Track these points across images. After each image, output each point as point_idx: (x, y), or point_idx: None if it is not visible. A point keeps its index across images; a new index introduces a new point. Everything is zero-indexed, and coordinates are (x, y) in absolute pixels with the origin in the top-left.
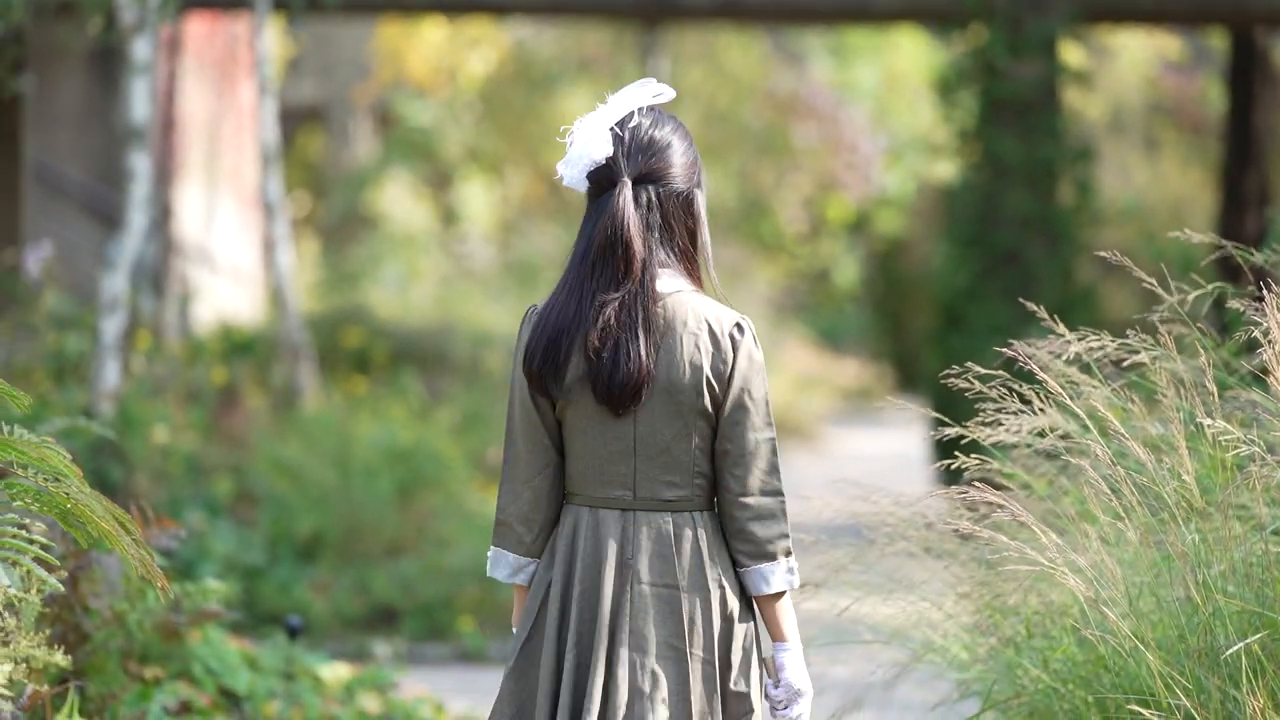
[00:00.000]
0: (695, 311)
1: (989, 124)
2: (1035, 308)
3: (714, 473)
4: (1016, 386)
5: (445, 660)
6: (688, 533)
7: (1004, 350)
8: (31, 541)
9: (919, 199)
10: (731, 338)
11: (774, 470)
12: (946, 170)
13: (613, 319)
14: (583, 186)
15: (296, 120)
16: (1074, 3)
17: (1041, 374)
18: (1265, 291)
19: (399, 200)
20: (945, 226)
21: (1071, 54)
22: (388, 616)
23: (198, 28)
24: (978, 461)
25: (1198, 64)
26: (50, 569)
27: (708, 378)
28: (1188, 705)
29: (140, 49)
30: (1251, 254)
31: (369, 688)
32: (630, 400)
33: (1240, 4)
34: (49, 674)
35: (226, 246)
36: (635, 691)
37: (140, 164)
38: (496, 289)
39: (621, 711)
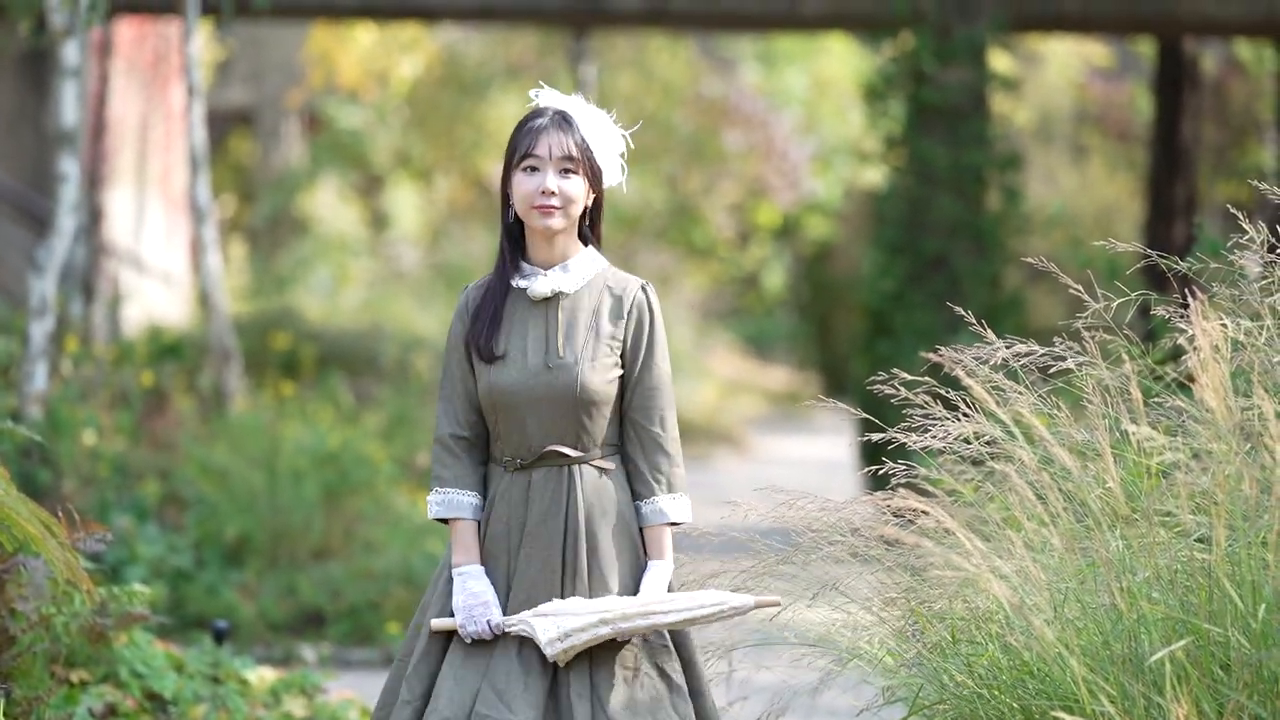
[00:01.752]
0: None
1: (917, 130)
2: (963, 313)
3: None
4: (943, 392)
5: (373, 664)
6: None
7: (930, 356)
8: None
9: (847, 204)
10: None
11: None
12: (875, 176)
13: None
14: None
15: (226, 124)
16: (1002, 10)
17: (968, 380)
18: (1190, 299)
19: (329, 204)
20: (873, 232)
21: (1000, 61)
22: (315, 620)
23: (128, 31)
24: (904, 467)
25: (1125, 71)
26: None
27: None
28: (1112, 711)
29: (70, 53)
30: (1177, 262)
31: (295, 691)
32: None
33: (1168, 13)
34: None
35: (156, 250)
36: None
37: (70, 167)
38: (425, 293)
39: None
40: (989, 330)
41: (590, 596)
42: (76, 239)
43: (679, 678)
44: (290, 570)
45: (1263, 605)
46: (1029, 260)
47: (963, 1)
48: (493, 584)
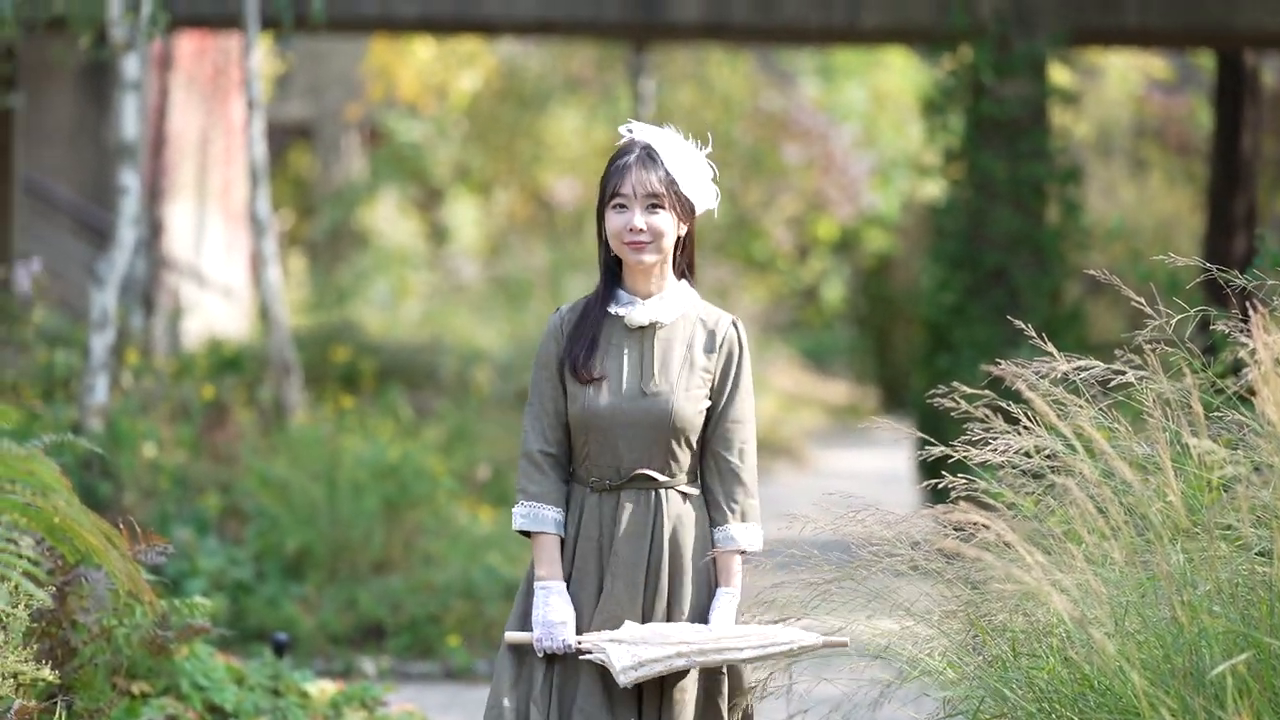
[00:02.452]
0: None
1: (976, 143)
2: (1023, 326)
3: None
4: (1003, 406)
5: (432, 677)
6: None
7: (990, 369)
8: (20, 556)
9: (906, 218)
10: None
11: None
12: (934, 189)
13: None
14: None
15: (286, 138)
16: (1062, 23)
17: (1028, 393)
18: (1251, 313)
19: (388, 217)
20: (932, 246)
21: (1059, 74)
22: (375, 633)
23: (188, 45)
24: (964, 481)
25: (1185, 84)
26: (38, 584)
27: None
28: None
29: (130, 66)
30: (1237, 276)
31: (356, 704)
32: None
33: (1227, 25)
34: (36, 689)
35: (216, 263)
36: None
37: (130, 181)
38: (485, 306)
39: None
40: (1049, 344)
41: (668, 618)
42: (137, 252)
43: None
44: (350, 583)
45: None
46: (1089, 273)
47: (1022, 15)
48: (580, 601)
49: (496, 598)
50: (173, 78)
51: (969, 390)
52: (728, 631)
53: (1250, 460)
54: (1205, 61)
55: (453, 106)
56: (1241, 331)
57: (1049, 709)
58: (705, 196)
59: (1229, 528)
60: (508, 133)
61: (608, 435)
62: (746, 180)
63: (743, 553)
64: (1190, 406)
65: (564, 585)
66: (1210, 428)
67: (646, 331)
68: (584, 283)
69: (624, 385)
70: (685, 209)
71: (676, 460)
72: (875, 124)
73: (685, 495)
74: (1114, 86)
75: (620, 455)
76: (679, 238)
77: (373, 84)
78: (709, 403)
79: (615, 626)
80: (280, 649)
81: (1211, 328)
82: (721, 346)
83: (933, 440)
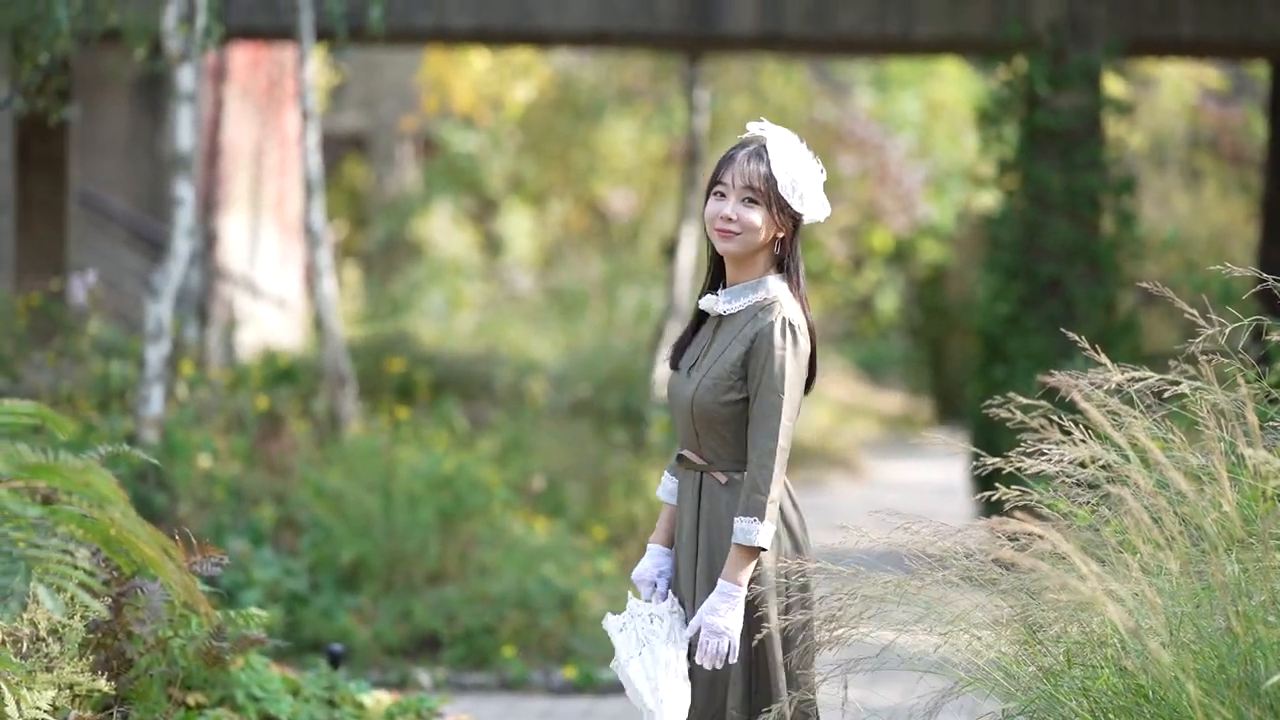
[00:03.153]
0: None
1: (1031, 154)
2: (1077, 338)
3: None
4: (1057, 417)
5: (488, 688)
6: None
7: (1046, 380)
8: (76, 568)
9: (961, 228)
10: None
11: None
12: (988, 200)
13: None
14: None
15: (341, 149)
16: (1116, 34)
17: (1084, 404)
18: None
19: (442, 229)
20: (987, 256)
21: (1114, 84)
22: (430, 644)
23: (243, 57)
24: (1018, 492)
25: (1240, 94)
26: (94, 595)
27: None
28: None
29: (185, 77)
30: None
31: (411, 715)
32: None
33: None
34: (92, 700)
35: (270, 274)
36: None
37: (185, 192)
38: (539, 317)
39: None
40: (1103, 355)
41: (699, 599)
42: (191, 264)
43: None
44: (405, 594)
45: None
46: (1143, 285)
47: (1077, 25)
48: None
49: (551, 609)
50: (227, 89)
51: (1024, 401)
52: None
53: None
54: (1260, 72)
55: (507, 117)
56: None
57: (1104, 719)
58: (812, 205)
59: None
60: (562, 143)
61: (672, 417)
62: None
63: (753, 548)
64: (1245, 417)
65: (653, 547)
66: (1265, 438)
67: (714, 322)
68: (639, 294)
69: (683, 371)
70: (784, 210)
71: (708, 446)
72: (930, 134)
73: (721, 481)
74: (1168, 97)
75: (679, 437)
76: (777, 238)
77: (427, 95)
78: (739, 395)
79: (683, 600)
80: (336, 660)
81: (1265, 338)
82: (755, 343)
83: (986, 453)
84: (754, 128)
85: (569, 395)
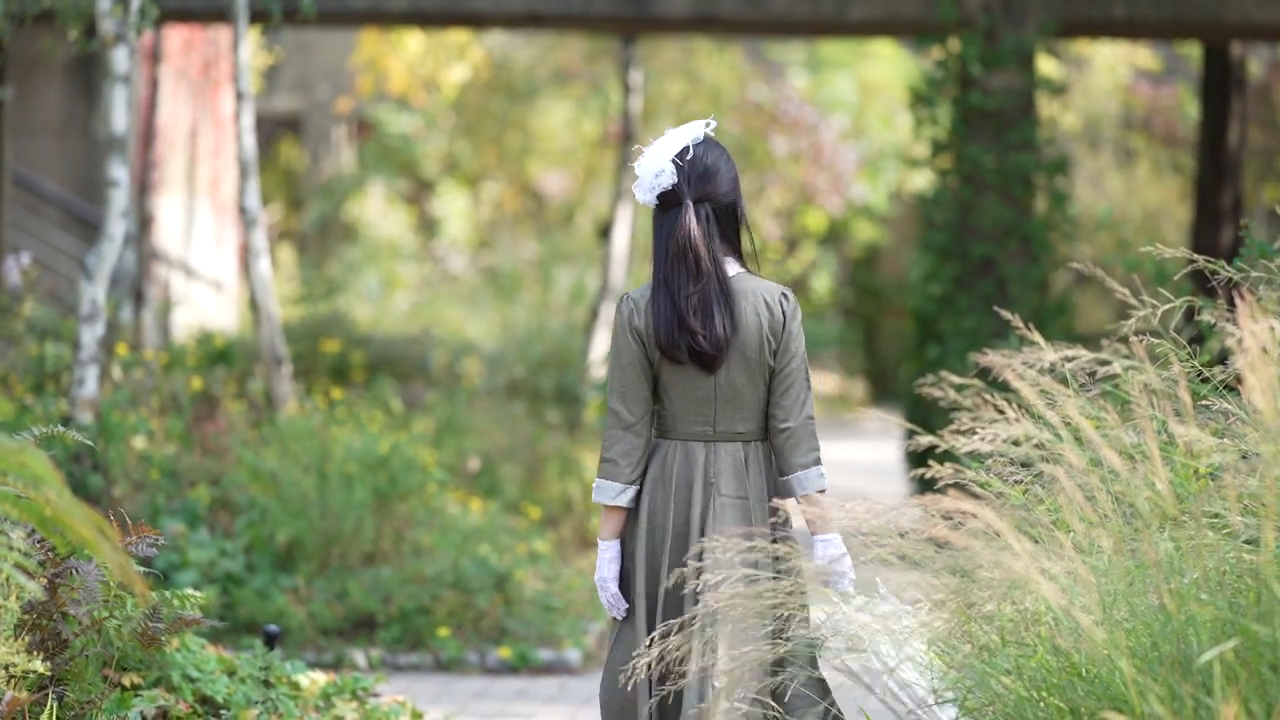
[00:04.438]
0: (752, 287)
1: (964, 135)
2: (1010, 317)
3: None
4: (991, 396)
5: (423, 669)
6: (754, 456)
7: (979, 359)
8: (11, 548)
9: (894, 209)
10: (781, 303)
11: (809, 403)
12: (922, 181)
13: (698, 305)
14: (652, 203)
15: (276, 130)
16: (1049, 15)
17: (1017, 383)
18: (1237, 302)
19: (377, 210)
20: (920, 237)
21: (1046, 65)
22: (366, 625)
23: (178, 38)
24: (952, 470)
25: (1172, 75)
26: (29, 575)
27: (766, 335)
28: (1162, 713)
29: (119, 59)
30: (1223, 268)
31: (347, 695)
32: (718, 359)
33: (1215, 16)
34: (28, 681)
35: (205, 256)
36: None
37: (120, 174)
38: (474, 298)
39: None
40: (1037, 334)
41: None
42: (126, 245)
43: None
44: (341, 575)
45: None
46: (1075, 265)
47: (1010, 6)
48: None
49: (487, 589)
50: (162, 70)
51: (957, 380)
52: None
53: (1237, 448)
54: (1192, 52)
55: (442, 99)
56: (1228, 321)
57: (1037, 697)
58: (640, 193)
59: (1216, 516)
60: (497, 125)
61: None
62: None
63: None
64: (1177, 395)
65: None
66: (1197, 416)
67: None
68: (574, 275)
69: None
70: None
71: None
72: (863, 115)
73: None
74: (1101, 77)
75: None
76: None
77: (362, 76)
78: None
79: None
80: (271, 641)
81: (1197, 318)
82: None
83: (921, 430)
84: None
85: (504, 376)
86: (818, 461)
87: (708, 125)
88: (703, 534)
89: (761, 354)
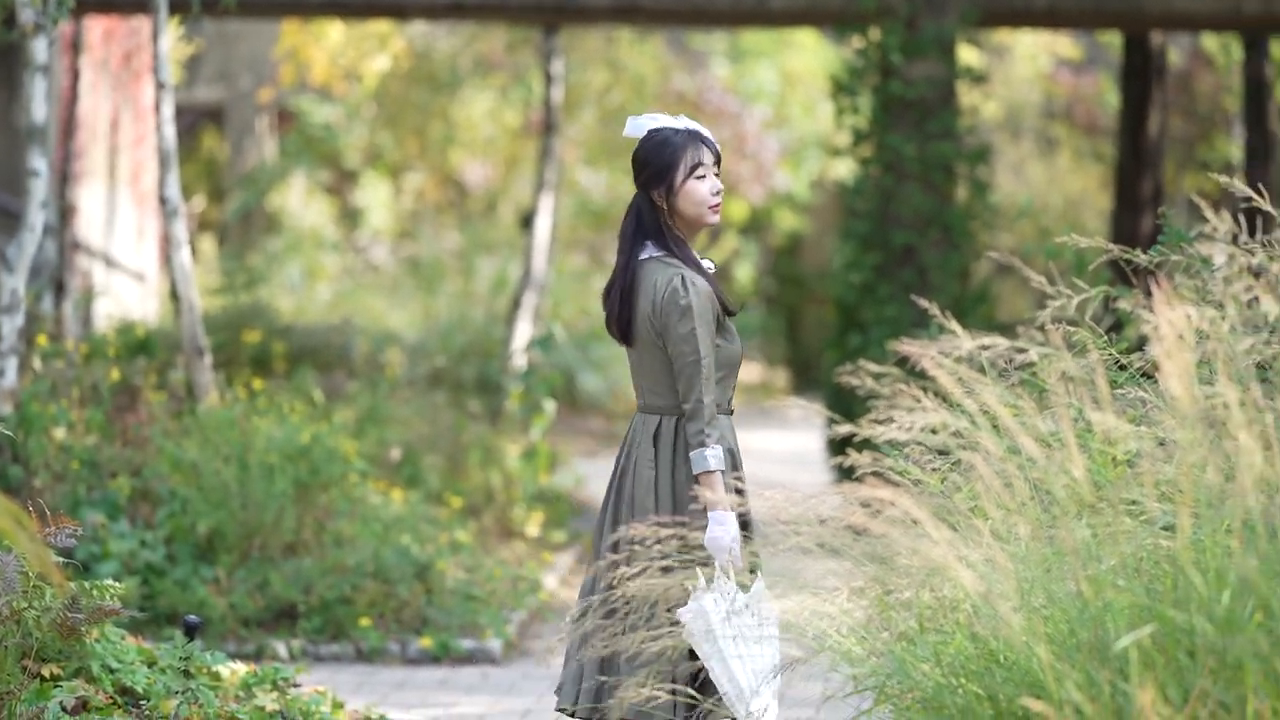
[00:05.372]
0: (652, 274)
1: (885, 124)
2: (927, 305)
3: None
4: (908, 384)
5: (344, 659)
6: (666, 430)
7: (897, 347)
8: None
9: (816, 198)
10: (664, 292)
11: (694, 385)
12: (844, 170)
13: (610, 288)
14: None
15: (198, 121)
16: (970, 4)
17: (934, 371)
18: (1154, 289)
19: (300, 200)
20: (842, 225)
21: (968, 54)
22: (287, 615)
23: (98, 28)
24: (870, 458)
25: (1093, 64)
26: None
27: (651, 320)
28: (1079, 698)
29: (39, 49)
30: (1139, 255)
31: (267, 685)
32: (621, 339)
33: (1135, 6)
34: None
35: (127, 247)
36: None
37: (40, 164)
38: (396, 288)
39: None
40: (958, 323)
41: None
42: (47, 236)
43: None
44: (262, 565)
45: (1227, 591)
46: (993, 254)
47: None
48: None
49: (408, 579)
50: (83, 61)
51: (876, 368)
52: None
53: (1154, 435)
54: (1113, 41)
55: (364, 89)
56: (1145, 308)
57: (955, 683)
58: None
59: (1133, 502)
60: (419, 115)
61: (731, 370)
62: None
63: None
64: (1094, 383)
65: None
66: (1115, 403)
67: None
68: (496, 265)
69: (737, 331)
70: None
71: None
72: (786, 105)
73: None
74: (1023, 66)
75: (732, 388)
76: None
77: (284, 67)
78: None
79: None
80: (191, 631)
81: (1111, 305)
82: None
83: (836, 417)
84: (649, 120)
85: (426, 366)
86: (702, 444)
87: (651, 119)
88: (618, 496)
89: (650, 337)
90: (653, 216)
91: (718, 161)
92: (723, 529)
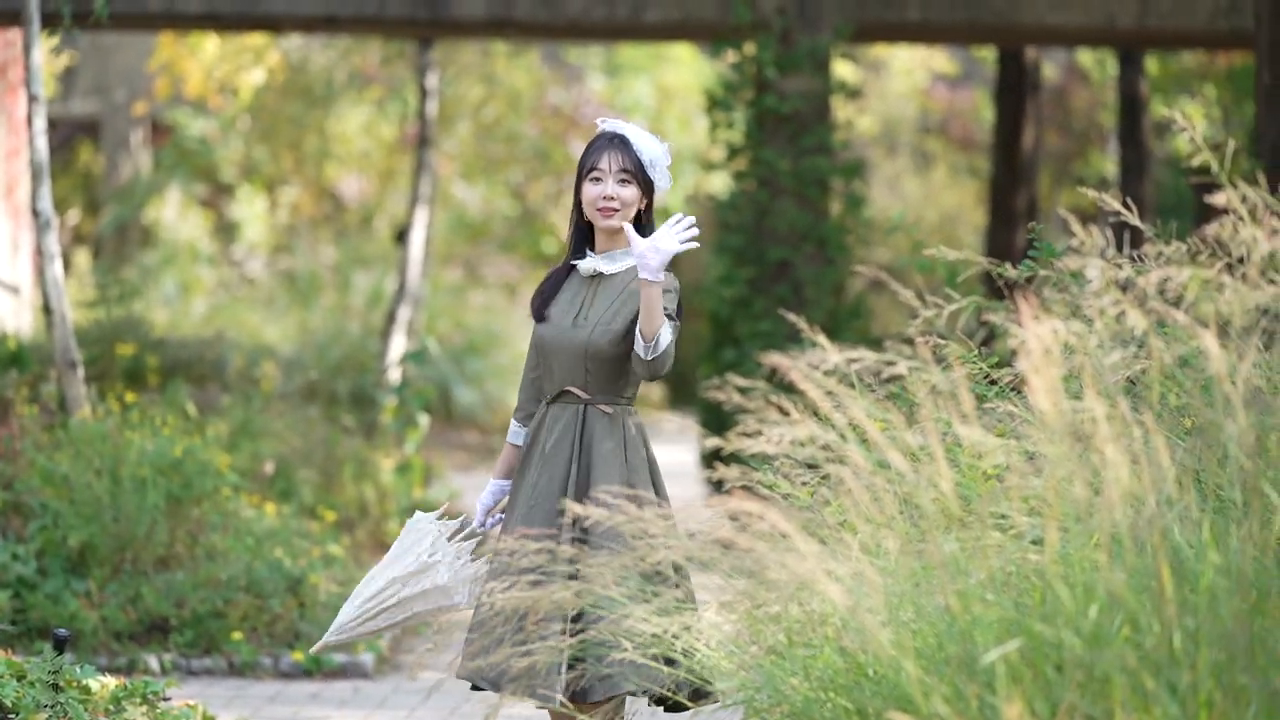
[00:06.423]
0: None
1: (759, 138)
2: (796, 319)
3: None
4: (776, 397)
5: (216, 673)
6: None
7: (766, 361)
8: None
9: (691, 211)
10: None
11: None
12: (719, 184)
13: None
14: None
15: (73, 134)
16: (844, 18)
17: (802, 384)
18: (1021, 304)
19: (175, 213)
20: (716, 240)
21: (842, 69)
22: (159, 629)
23: None
24: (740, 472)
25: (969, 78)
26: None
27: None
28: (946, 712)
29: None
30: (1009, 269)
31: (138, 699)
32: None
33: (1009, 21)
34: None
35: (1, 260)
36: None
37: None
38: (272, 302)
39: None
40: (833, 337)
41: (584, 497)
42: None
43: None
44: (134, 579)
45: (1094, 605)
46: (861, 269)
47: (805, 10)
48: (514, 490)
49: (281, 593)
50: None
51: (745, 382)
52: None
53: (1022, 449)
54: (988, 56)
55: (240, 103)
56: (1015, 322)
57: (825, 698)
58: (663, 179)
59: (1002, 516)
60: (294, 129)
61: (549, 359)
62: (533, 176)
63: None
64: (961, 396)
65: (499, 481)
66: (983, 417)
67: (593, 280)
68: (372, 278)
69: (563, 321)
70: (647, 186)
71: (596, 383)
72: (661, 119)
73: (606, 411)
74: (899, 81)
75: (555, 376)
76: (640, 209)
77: (159, 80)
78: (629, 341)
79: (542, 513)
80: (61, 644)
81: (981, 319)
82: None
83: (714, 433)
84: (602, 124)
85: (300, 379)
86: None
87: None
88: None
89: None
90: (574, 212)
91: (635, 171)
92: (655, 246)
